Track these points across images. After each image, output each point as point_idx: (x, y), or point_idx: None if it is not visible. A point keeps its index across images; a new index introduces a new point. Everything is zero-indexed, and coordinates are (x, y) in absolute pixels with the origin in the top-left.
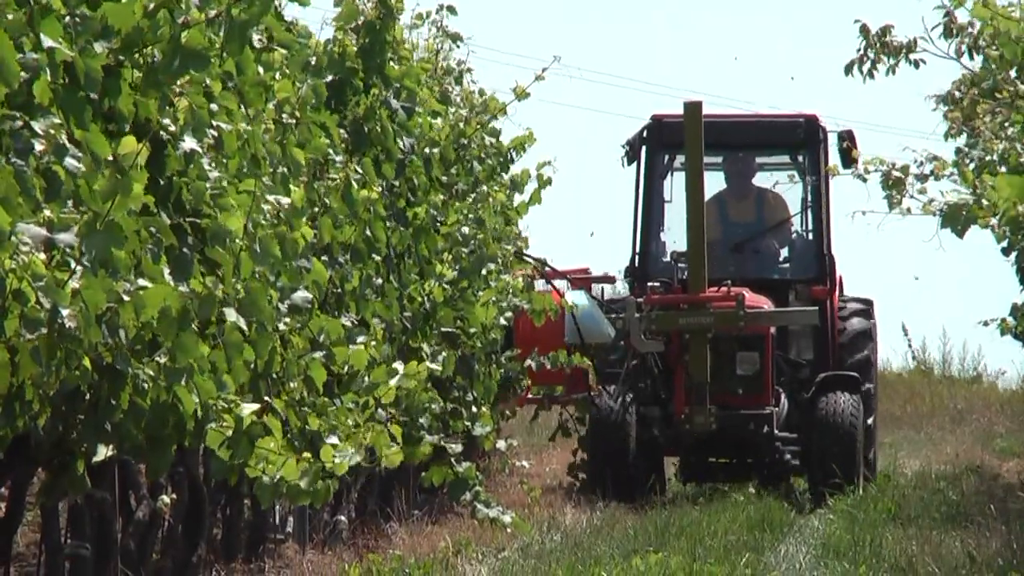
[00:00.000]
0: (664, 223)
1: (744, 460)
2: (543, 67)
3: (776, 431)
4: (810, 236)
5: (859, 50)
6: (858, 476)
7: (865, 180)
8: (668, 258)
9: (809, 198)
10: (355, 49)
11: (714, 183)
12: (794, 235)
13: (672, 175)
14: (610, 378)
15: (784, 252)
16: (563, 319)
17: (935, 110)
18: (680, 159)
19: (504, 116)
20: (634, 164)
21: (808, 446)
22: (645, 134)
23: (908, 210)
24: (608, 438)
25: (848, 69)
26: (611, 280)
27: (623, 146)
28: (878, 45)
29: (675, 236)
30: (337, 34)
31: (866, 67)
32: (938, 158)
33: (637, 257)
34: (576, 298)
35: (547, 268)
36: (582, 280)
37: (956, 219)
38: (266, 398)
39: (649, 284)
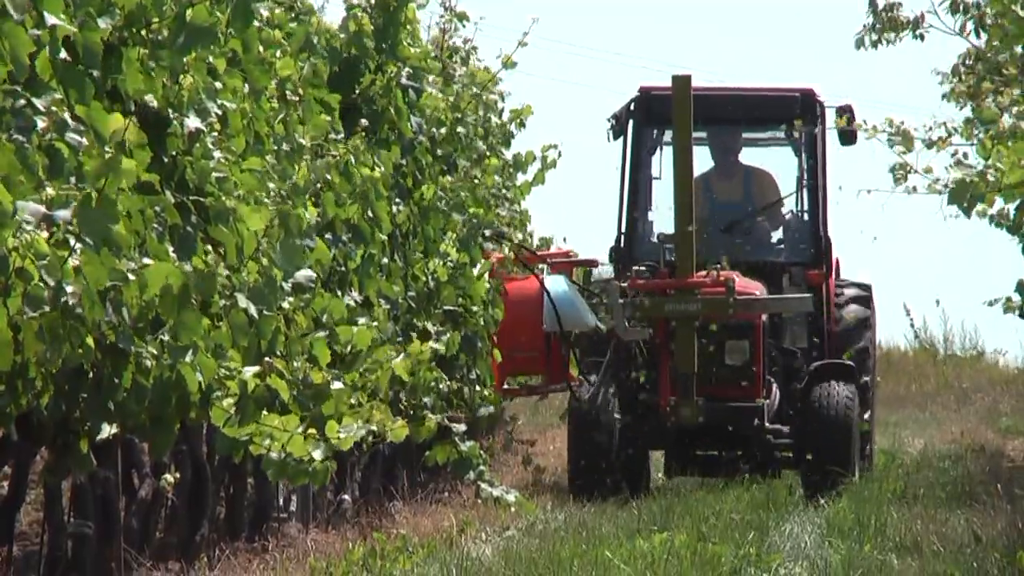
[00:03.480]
0: (652, 202)
1: (733, 454)
2: (524, 33)
3: (767, 424)
4: (805, 217)
5: (866, 25)
6: (853, 470)
7: (869, 138)
8: (655, 239)
9: (805, 176)
10: (371, 28)
11: (703, 161)
12: (788, 216)
13: (661, 151)
14: (592, 367)
15: (777, 234)
16: (541, 307)
17: (941, 84)
18: (669, 135)
19: (495, 86)
20: (620, 139)
21: (801, 439)
22: (632, 108)
23: (914, 188)
24: (589, 431)
25: (859, 43)
26: (594, 264)
27: (609, 120)
28: (885, 19)
29: (663, 216)
30: (355, 11)
31: (873, 38)
32: (945, 124)
33: (623, 238)
34: (555, 283)
35: (524, 251)
36: (563, 264)
37: (963, 196)
38: (267, 359)
39: (634, 268)
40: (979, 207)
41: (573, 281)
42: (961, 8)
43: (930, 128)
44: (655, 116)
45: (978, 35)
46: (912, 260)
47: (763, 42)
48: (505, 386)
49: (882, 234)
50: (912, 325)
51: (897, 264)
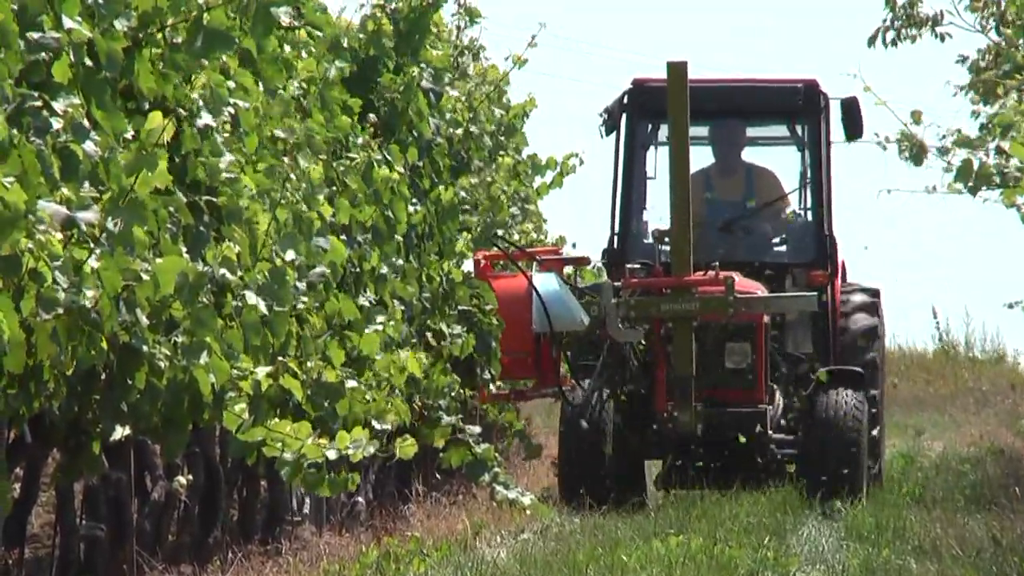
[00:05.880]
0: (646, 200)
1: (734, 464)
2: (532, 35)
3: (770, 431)
4: (809, 215)
5: (885, 20)
6: (863, 483)
7: (885, 148)
8: (650, 239)
9: (808, 173)
10: (391, 28)
11: (700, 158)
12: (791, 214)
13: (656, 149)
14: (584, 371)
15: (779, 234)
16: (529, 305)
17: (949, 84)
18: (664, 129)
19: (507, 85)
20: (613, 135)
21: (806, 448)
22: (625, 101)
23: (934, 188)
24: (581, 438)
25: (871, 41)
26: (585, 262)
27: (601, 114)
28: (904, 16)
29: (658, 215)
30: (375, 11)
31: (890, 36)
32: (960, 132)
33: (616, 238)
34: (545, 281)
35: (513, 249)
36: (553, 261)
37: (968, 175)
38: (280, 358)
39: (628, 266)
40: (1002, 193)
41: (565, 281)
42: (982, 4)
43: (943, 136)
44: (649, 110)
45: (999, 32)
46: (936, 261)
47: (768, 36)
48: (493, 390)
49: (906, 235)
50: (938, 327)
51: (921, 265)
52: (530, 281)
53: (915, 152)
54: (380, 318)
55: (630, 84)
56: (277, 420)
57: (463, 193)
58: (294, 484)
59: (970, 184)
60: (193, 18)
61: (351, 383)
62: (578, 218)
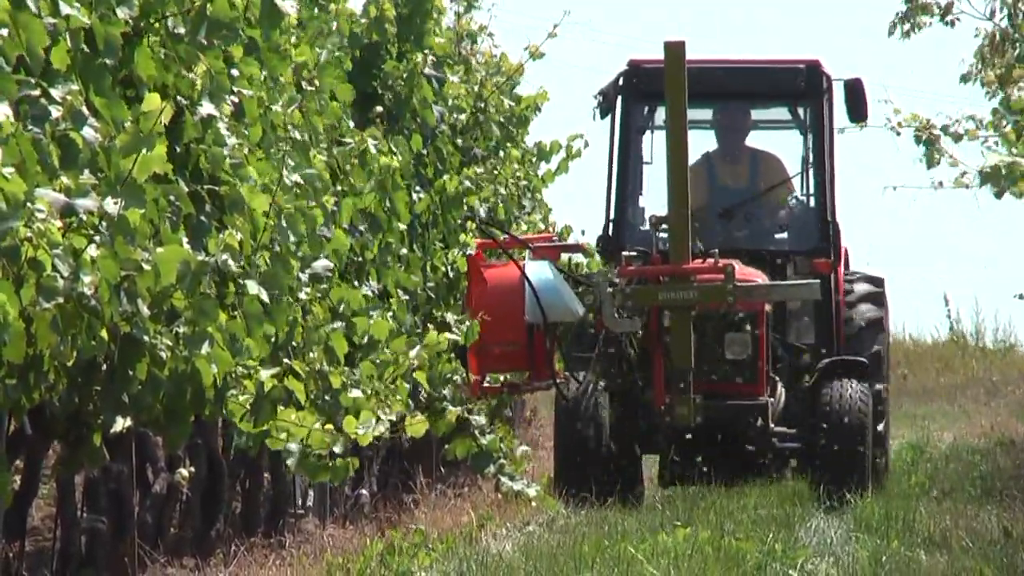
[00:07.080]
0: (643, 186)
1: (734, 458)
2: (554, 24)
3: (771, 425)
4: (811, 202)
5: (898, 13)
6: (866, 476)
7: (899, 134)
8: (647, 226)
9: (811, 158)
10: (393, 13)
11: (698, 141)
12: (793, 201)
13: (652, 133)
14: (579, 363)
15: (782, 221)
16: (522, 294)
17: (967, 72)
18: (662, 112)
19: (520, 76)
20: (608, 118)
21: (809, 441)
22: (621, 82)
23: (940, 184)
24: (577, 431)
25: (892, 30)
26: (580, 249)
27: (596, 96)
28: (917, 5)
29: (656, 201)
30: None
31: (906, 27)
32: (973, 117)
33: (611, 225)
34: (539, 270)
35: (506, 236)
36: (547, 249)
37: (996, 178)
38: (285, 360)
39: (624, 254)
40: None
41: (559, 269)
42: None
43: (957, 120)
44: (646, 92)
45: (1011, 20)
46: (948, 252)
47: (778, 25)
48: (485, 383)
49: (918, 226)
50: (949, 316)
51: (933, 255)
52: (522, 270)
53: (927, 138)
54: (375, 313)
55: (626, 65)
56: (282, 408)
57: (468, 183)
58: (297, 476)
59: (996, 189)
60: (197, 8)
61: (356, 392)
62: (584, 205)
